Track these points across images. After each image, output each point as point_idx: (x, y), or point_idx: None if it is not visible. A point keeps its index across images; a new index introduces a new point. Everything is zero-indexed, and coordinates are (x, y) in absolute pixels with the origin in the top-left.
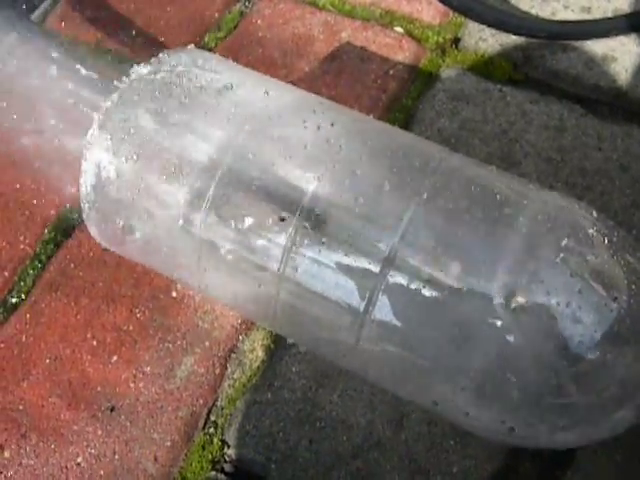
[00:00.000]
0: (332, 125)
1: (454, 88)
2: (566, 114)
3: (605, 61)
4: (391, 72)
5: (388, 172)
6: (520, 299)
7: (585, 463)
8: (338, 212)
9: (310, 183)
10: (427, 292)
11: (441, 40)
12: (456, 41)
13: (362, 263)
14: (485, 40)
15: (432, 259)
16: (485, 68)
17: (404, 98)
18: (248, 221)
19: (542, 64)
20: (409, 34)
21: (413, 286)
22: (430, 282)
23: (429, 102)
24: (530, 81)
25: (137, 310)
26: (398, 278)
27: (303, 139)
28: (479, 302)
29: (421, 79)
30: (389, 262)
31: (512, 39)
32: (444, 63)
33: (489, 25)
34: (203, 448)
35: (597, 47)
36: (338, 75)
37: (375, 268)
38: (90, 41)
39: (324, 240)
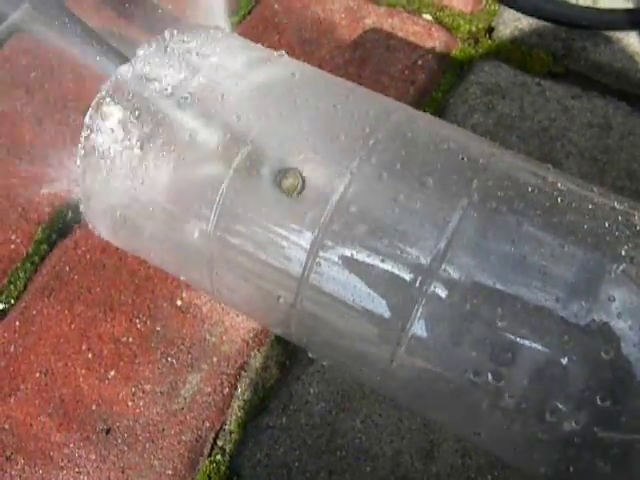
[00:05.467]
0: (367, 113)
1: (488, 81)
2: (611, 111)
3: None
4: (419, 62)
5: (432, 168)
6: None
7: None
8: (374, 212)
9: (342, 177)
10: (475, 308)
11: (474, 29)
12: (490, 30)
13: (401, 271)
14: (522, 29)
15: (483, 270)
16: (522, 60)
17: (434, 91)
18: (267, 217)
19: (584, 56)
20: (439, 22)
21: (458, 300)
22: (479, 297)
23: (461, 96)
24: (571, 75)
25: (138, 320)
26: (441, 290)
27: (334, 128)
28: (533, 319)
29: (452, 71)
30: (432, 271)
31: (551, 29)
32: (477, 54)
33: (526, 13)
34: (209, 478)
35: None
36: (362, 65)
37: (415, 278)
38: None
39: (356, 243)
